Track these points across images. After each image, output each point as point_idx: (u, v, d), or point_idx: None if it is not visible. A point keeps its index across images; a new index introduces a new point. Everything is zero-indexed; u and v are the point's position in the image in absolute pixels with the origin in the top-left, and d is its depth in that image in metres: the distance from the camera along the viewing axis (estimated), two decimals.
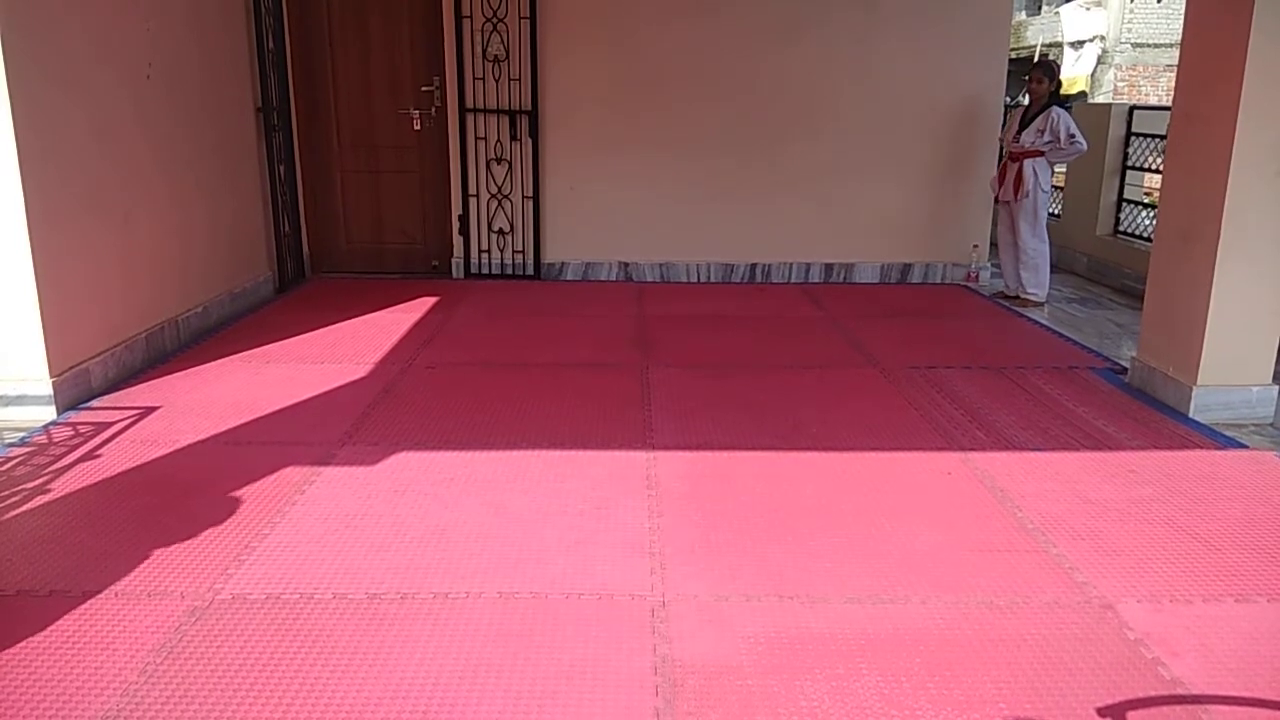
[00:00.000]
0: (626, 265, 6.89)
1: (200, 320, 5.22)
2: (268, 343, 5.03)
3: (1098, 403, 4.32)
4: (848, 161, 6.75)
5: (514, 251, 6.82)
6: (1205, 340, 4.10)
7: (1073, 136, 5.97)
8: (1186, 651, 2.40)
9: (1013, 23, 10.26)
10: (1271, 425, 4.11)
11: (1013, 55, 10.39)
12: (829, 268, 6.95)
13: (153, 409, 4.02)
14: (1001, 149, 6.61)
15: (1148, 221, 6.87)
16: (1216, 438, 3.92)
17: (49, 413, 3.88)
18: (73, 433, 3.73)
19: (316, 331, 5.28)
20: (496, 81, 6.49)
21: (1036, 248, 6.24)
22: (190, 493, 3.20)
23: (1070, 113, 6.18)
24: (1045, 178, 6.17)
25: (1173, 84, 4.52)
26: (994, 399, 4.32)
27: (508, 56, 6.44)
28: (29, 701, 2.14)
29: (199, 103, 5.21)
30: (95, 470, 3.37)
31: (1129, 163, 7.13)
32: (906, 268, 6.98)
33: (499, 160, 6.64)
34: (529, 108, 6.51)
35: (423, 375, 4.56)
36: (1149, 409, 4.25)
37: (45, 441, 3.65)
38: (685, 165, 6.70)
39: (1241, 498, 3.32)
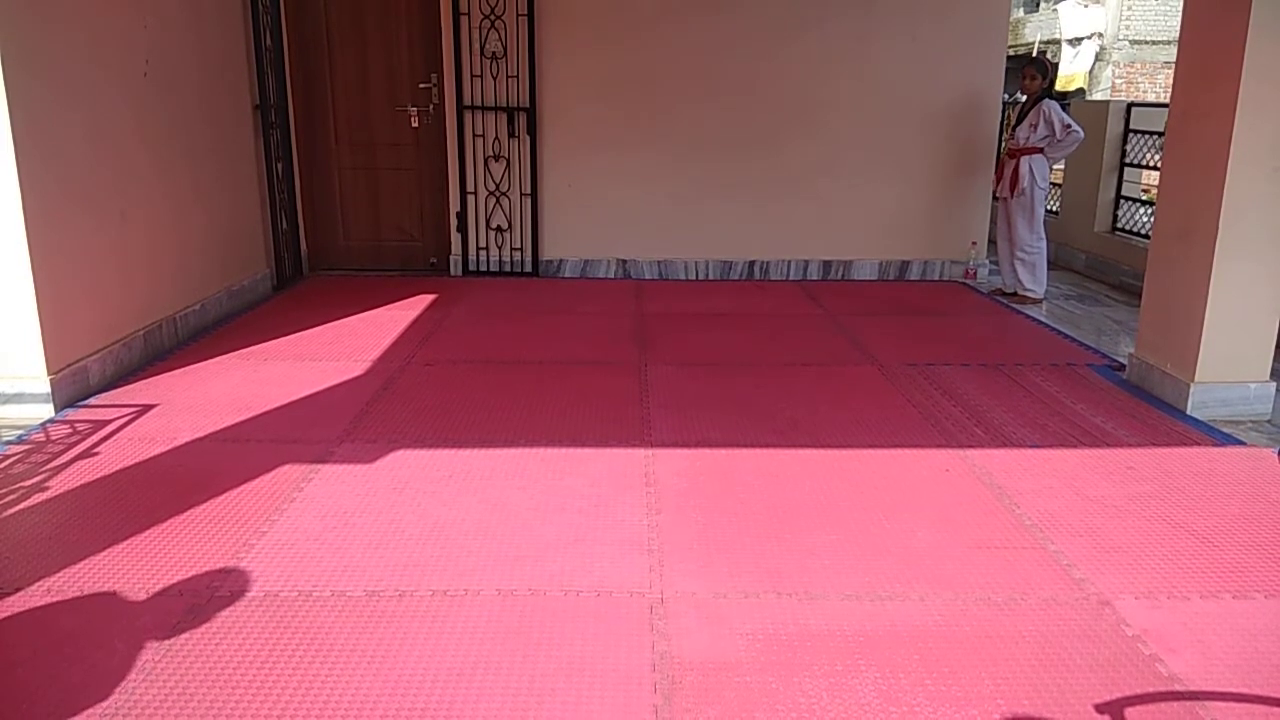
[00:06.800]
0: (625, 263, 6.88)
1: (198, 318, 5.21)
2: (266, 340, 5.03)
3: (1095, 399, 4.32)
4: (846, 159, 6.75)
5: (512, 249, 6.81)
6: (1203, 337, 4.11)
7: (1068, 126, 5.97)
8: (1184, 648, 2.40)
9: (1011, 20, 10.27)
10: (1269, 422, 4.12)
11: (1011, 52, 10.38)
12: (827, 265, 6.95)
13: (151, 406, 4.01)
14: (999, 146, 6.62)
15: (1146, 218, 6.87)
16: (1214, 434, 3.93)
17: (47, 410, 3.88)
18: (70, 430, 3.73)
19: (314, 329, 5.27)
20: (494, 79, 6.48)
21: (1034, 245, 6.25)
22: (188, 490, 3.19)
23: (1068, 110, 6.18)
24: (1042, 174, 6.17)
25: (1171, 81, 4.52)
26: (992, 396, 4.32)
27: (505, 54, 6.43)
28: (27, 700, 2.13)
29: (196, 100, 5.20)
30: (93, 468, 3.37)
31: (1127, 160, 7.15)
32: (905, 265, 6.98)
33: (497, 157, 6.63)
34: (527, 105, 6.51)
35: (421, 372, 4.55)
36: (1147, 406, 4.26)
37: (43, 439, 3.64)
38: (684, 162, 6.70)
39: (1239, 494, 3.33)
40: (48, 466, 3.38)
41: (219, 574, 2.68)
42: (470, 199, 6.67)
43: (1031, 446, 3.74)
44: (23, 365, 3.87)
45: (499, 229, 6.78)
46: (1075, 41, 20.21)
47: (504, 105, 6.53)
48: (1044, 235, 6.29)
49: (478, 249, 6.79)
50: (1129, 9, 19.60)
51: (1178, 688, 2.25)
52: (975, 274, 6.93)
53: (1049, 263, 6.47)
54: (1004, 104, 7.13)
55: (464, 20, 6.35)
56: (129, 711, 2.09)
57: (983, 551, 2.88)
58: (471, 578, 2.68)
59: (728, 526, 3.01)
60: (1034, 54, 18.01)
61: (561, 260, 6.86)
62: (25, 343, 3.86)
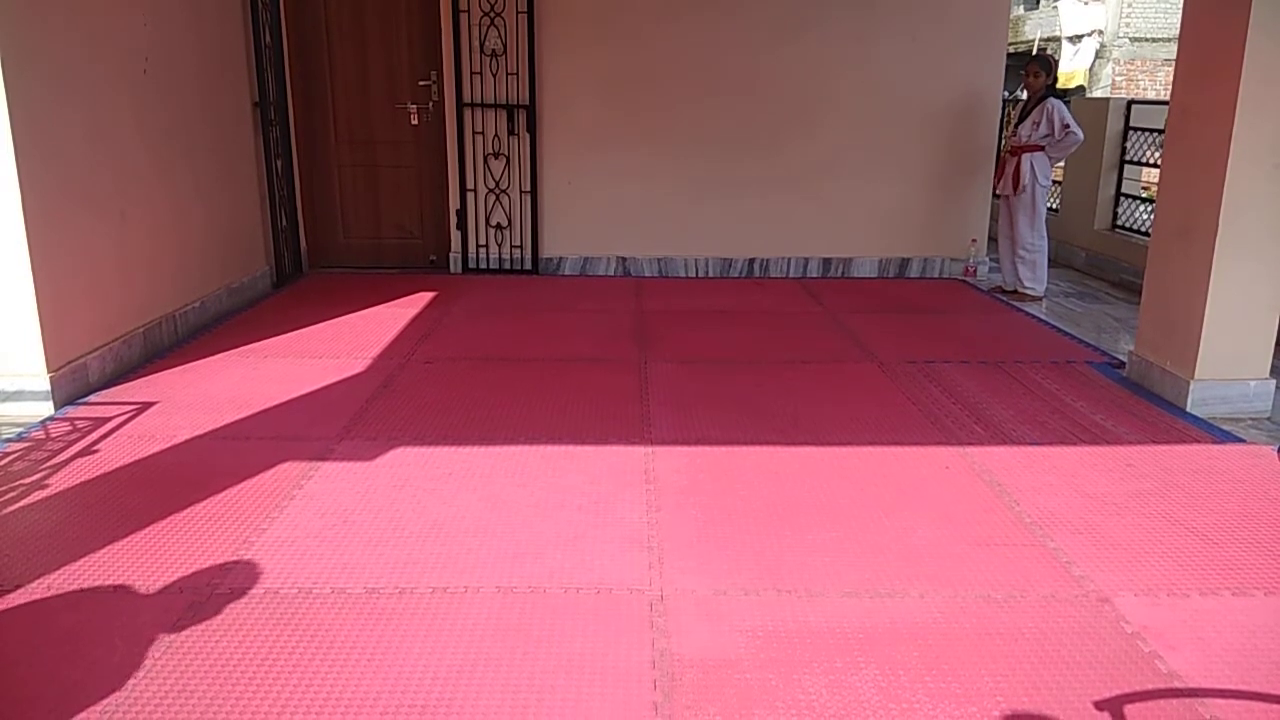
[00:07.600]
0: (625, 260, 6.88)
1: (197, 315, 5.21)
2: (265, 338, 5.03)
3: (1095, 397, 4.32)
4: (846, 156, 6.75)
5: (512, 246, 6.81)
6: (1203, 334, 4.11)
7: (1067, 127, 5.97)
8: (1183, 645, 2.41)
9: (1011, 17, 10.26)
10: (1269, 419, 4.12)
11: (1011, 50, 10.38)
12: (827, 262, 6.95)
13: (150, 404, 4.01)
14: (1000, 144, 6.61)
15: (1146, 216, 6.87)
16: (1214, 432, 3.93)
17: (46, 408, 3.88)
18: (70, 428, 3.73)
19: (314, 326, 5.27)
20: (494, 76, 6.48)
21: (1034, 242, 6.24)
22: (188, 488, 3.19)
23: (1069, 106, 6.18)
24: (1044, 172, 6.17)
25: (1171, 78, 4.52)
26: (992, 393, 4.33)
27: (505, 51, 6.43)
28: (28, 698, 2.14)
29: (195, 98, 5.20)
30: (93, 465, 3.37)
31: (1127, 157, 7.14)
32: (904, 262, 6.98)
33: (496, 155, 6.63)
34: (527, 102, 6.50)
35: (420, 370, 4.55)
36: (1147, 403, 4.26)
37: (43, 437, 3.65)
38: (684, 160, 6.70)
39: (1238, 492, 3.33)
40: (47, 464, 3.38)
41: (219, 571, 2.68)
42: (470, 196, 6.67)
43: (1031, 444, 3.75)
44: (23, 363, 3.87)
45: (499, 226, 6.77)
46: (1075, 39, 20.22)
47: (504, 103, 6.52)
48: (1044, 233, 6.28)
49: (477, 246, 6.79)
50: (1129, 6, 19.60)
51: (1177, 685, 2.25)
52: (975, 271, 6.93)
53: (1049, 260, 6.47)
54: (1004, 101, 7.12)
55: (464, 18, 6.34)
56: (130, 708, 2.10)
57: (982, 549, 2.88)
58: (471, 575, 2.68)
59: (728, 524, 3.01)
60: (1034, 51, 18.01)
61: (561, 258, 6.86)
62: (25, 340, 3.86)
